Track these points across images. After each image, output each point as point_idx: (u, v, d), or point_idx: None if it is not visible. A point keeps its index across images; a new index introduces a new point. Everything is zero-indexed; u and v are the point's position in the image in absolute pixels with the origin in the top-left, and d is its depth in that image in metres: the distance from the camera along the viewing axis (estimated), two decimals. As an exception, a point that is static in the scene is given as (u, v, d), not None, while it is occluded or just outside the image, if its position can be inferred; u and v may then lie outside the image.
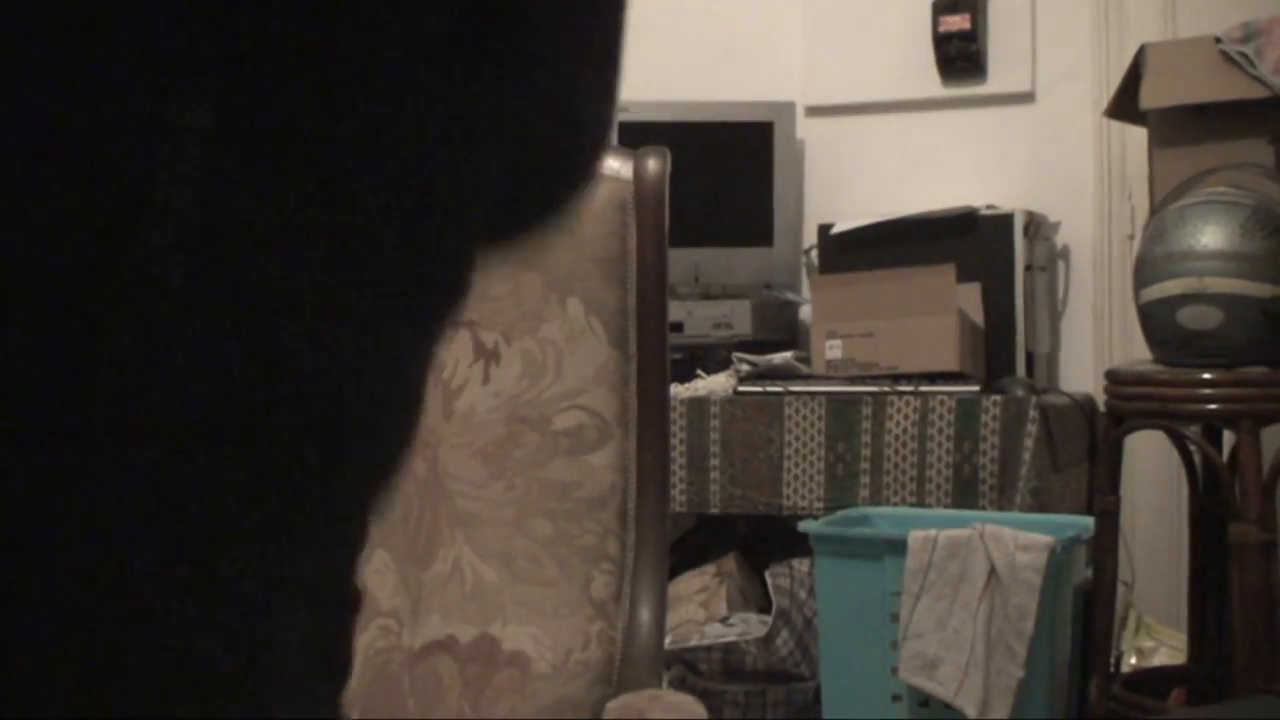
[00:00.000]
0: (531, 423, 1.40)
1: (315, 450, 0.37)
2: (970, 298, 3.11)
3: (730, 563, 3.20)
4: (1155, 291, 2.53)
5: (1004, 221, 3.19)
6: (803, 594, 2.94)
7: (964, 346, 3.02)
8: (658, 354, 1.42)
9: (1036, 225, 3.27)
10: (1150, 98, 2.77)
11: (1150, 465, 3.21)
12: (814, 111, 3.64)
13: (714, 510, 3.08)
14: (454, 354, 1.42)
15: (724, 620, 3.04)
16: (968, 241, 3.18)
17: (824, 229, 3.34)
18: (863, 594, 2.65)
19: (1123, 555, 2.77)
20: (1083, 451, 3.09)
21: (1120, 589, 2.76)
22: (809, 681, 2.93)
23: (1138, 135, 3.07)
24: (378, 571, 1.42)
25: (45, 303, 0.33)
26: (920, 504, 2.90)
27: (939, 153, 3.54)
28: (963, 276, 3.06)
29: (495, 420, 1.41)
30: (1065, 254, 3.46)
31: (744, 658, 2.93)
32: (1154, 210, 2.75)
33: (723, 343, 3.28)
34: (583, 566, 1.39)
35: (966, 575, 2.53)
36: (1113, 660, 2.74)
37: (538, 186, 0.49)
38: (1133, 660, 3.06)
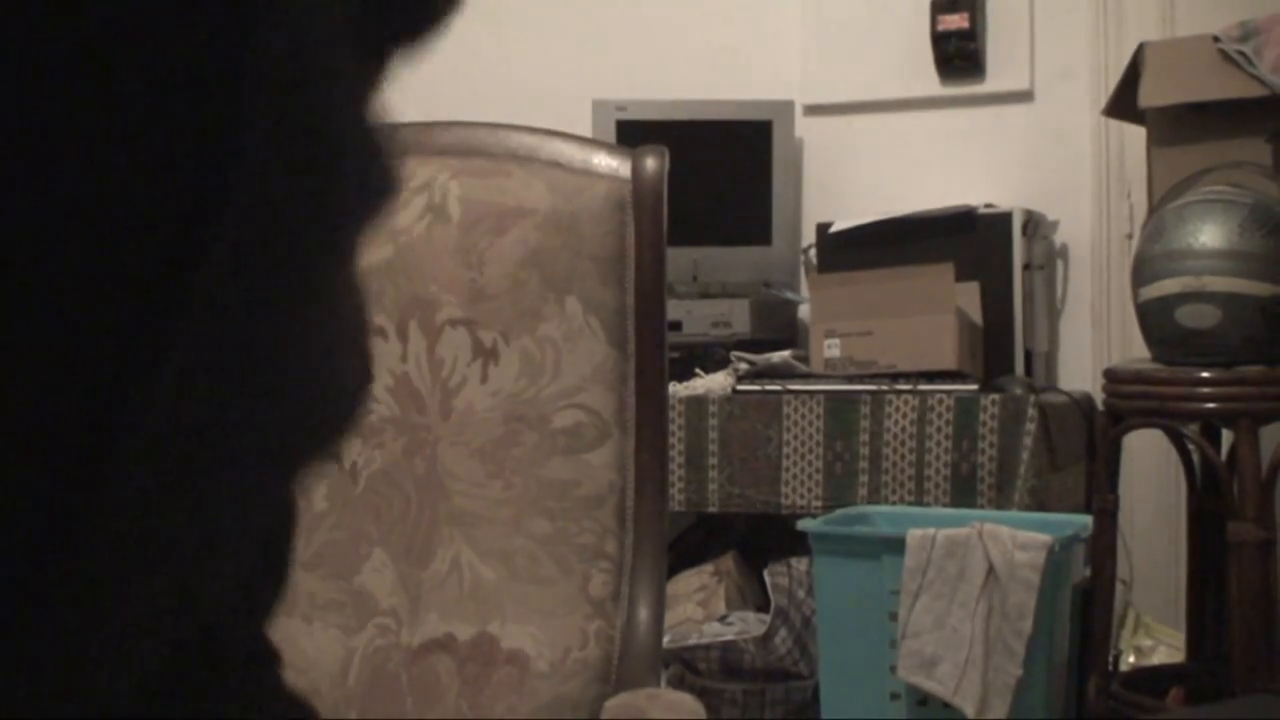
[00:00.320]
0: (530, 421, 1.40)
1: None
2: (969, 296, 3.11)
3: (729, 561, 3.20)
4: (1154, 290, 2.53)
5: (1002, 220, 3.19)
6: (801, 593, 2.94)
7: (962, 345, 3.02)
8: (656, 353, 1.42)
9: (1035, 224, 3.27)
10: (1149, 96, 2.77)
11: (1149, 464, 3.22)
12: (812, 110, 3.64)
13: (712, 509, 3.08)
14: (453, 353, 1.42)
15: (722, 619, 3.04)
16: (966, 240, 3.18)
17: (822, 228, 3.34)
18: (861, 593, 2.65)
19: (1121, 554, 2.77)
20: (1081, 450, 3.09)
21: (1119, 588, 2.76)
22: (807, 680, 2.93)
23: (1136, 134, 3.07)
24: (376, 570, 1.42)
25: None
26: (919, 503, 2.91)
27: (937, 151, 3.54)
28: (961, 275, 3.06)
29: (493, 419, 1.41)
30: (1064, 253, 3.46)
31: (742, 656, 2.93)
32: (1152, 209, 2.75)
33: (721, 341, 3.28)
34: (581, 565, 1.39)
35: (965, 574, 2.53)
36: (1111, 659, 2.74)
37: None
38: (1131, 659, 3.06)
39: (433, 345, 1.42)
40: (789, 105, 3.53)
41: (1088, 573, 2.70)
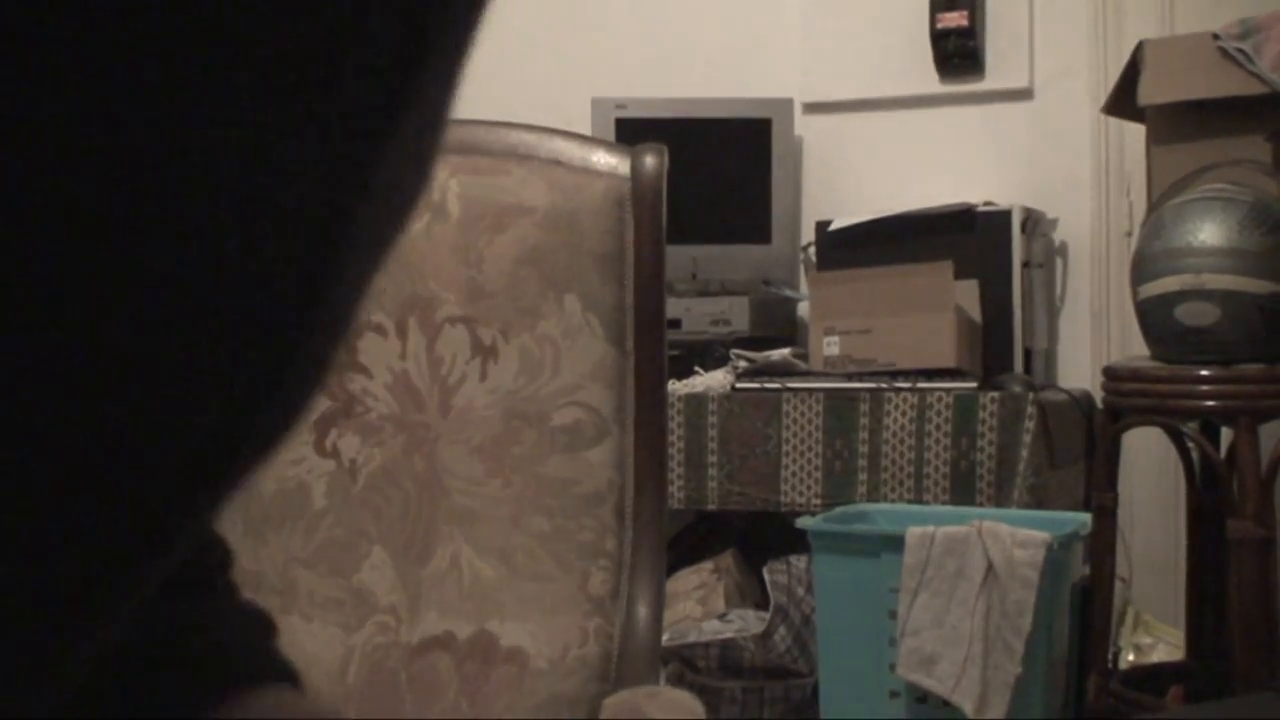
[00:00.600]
0: (529, 419, 1.40)
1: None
2: (968, 294, 3.11)
3: (728, 559, 3.20)
4: (1153, 288, 2.53)
5: (1002, 218, 3.19)
6: (800, 590, 2.94)
7: (962, 343, 3.02)
8: (655, 350, 1.42)
9: (1034, 222, 3.27)
10: (1148, 94, 2.77)
11: (1148, 462, 3.22)
12: (812, 108, 3.64)
13: (712, 507, 3.08)
14: (452, 350, 1.42)
15: (722, 617, 3.04)
16: (965, 238, 3.18)
17: (822, 225, 3.34)
18: (860, 590, 2.65)
19: (1120, 552, 2.77)
20: (1080, 448, 3.09)
21: (1118, 585, 2.76)
22: (807, 678, 2.93)
23: (1136, 131, 3.07)
24: (375, 567, 1.42)
25: None
26: (918, 500, 2.91)
27: (937, 149, 3.54)
28: (960, 273, 3.06)
29: (493, 417, 1.41)
30: (1063, 250, 3.46)
31: (742, 654, 2.93)
32: (1152, 207, 2.75)
33: (720, 339, 3.28)
34: (580, 563, 1.39)
35: (964, 572, 2.53)
36: (1110, 657, 2.74)
37: None
38: (1130, 657, 3.06)
39: (432, 343, 1.42)
40: (788, 103, 3.53)
41: (1087, 570, 2.70)
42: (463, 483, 1.41)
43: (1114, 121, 3.22)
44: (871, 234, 3.24)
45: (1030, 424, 2.85)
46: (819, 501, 2.97)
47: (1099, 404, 2.77)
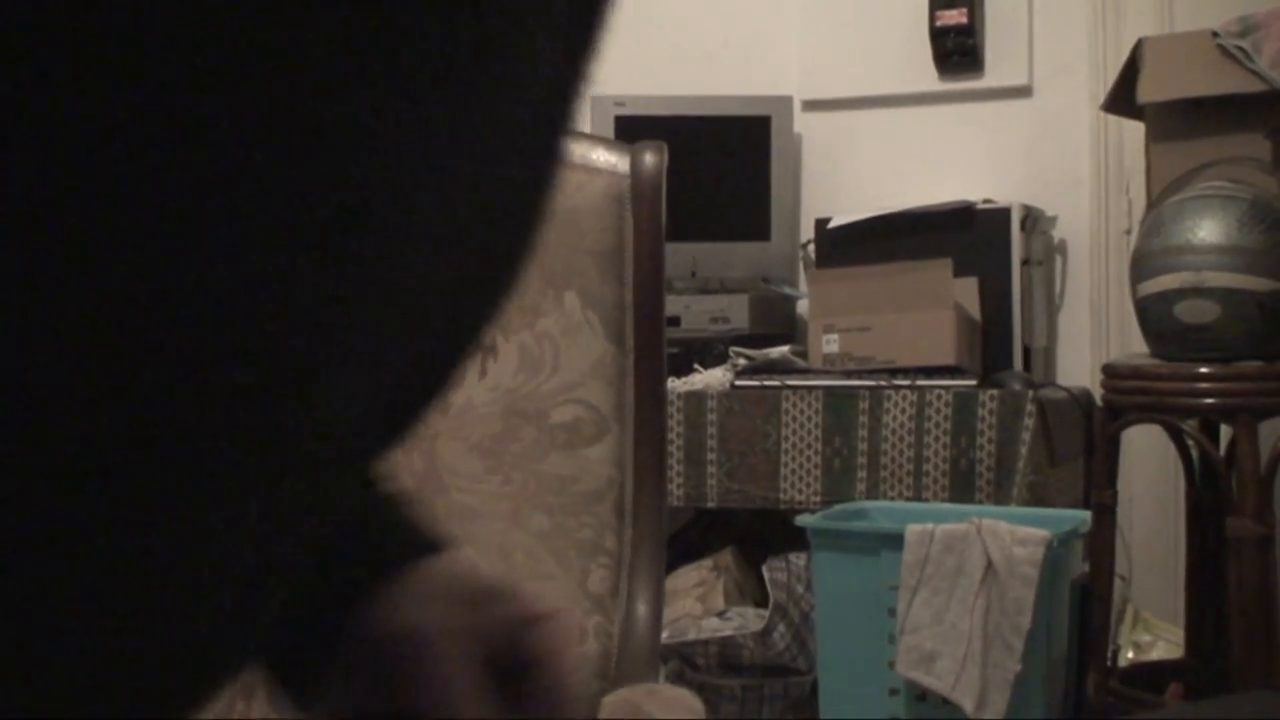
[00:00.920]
0: (528, 417, 1.40)
1: None
2: (967, 292, 3.11)
3: (727, 557, 3.20)
4: (1152, 285, 2.53)
5: (1001, 216, 3.19)
6: (800, 588, 2.94)
7: (961, 340, 3.02)
8: (655, 348, 1.42)
9: (1034, 219, 3.27)
10: (1147, 92, 2.77)
11: (1147, 459, 3.22)
12: (811, 106, 3.64)
13: (711, 504, 3.08)
14: (451, 348, 1.42)
15: (721, 614, 3.04)
16: (965, 236, 3.18)
17: (821, 223, 3.34)
18: (860, 588, 2.65)
19: (1120, 549, 2.78)
20: (1080, 446, 3.09)
21: (1117, 583, 2.76)
22: (806, 675, 2.93)
23: (1135, 129, 3.07)
24: (375, 566, 1.42)
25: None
26: (917, 498, 2.90)
27: (936, 147, 3.54)
28: (960, 271, 3.06)
29: (492, 414, 1.41)
30: (1062, 248, 3.46)
31: (741, 652, 2.93)
32: (1151, 204, 2.75)
33: (720, 337, 3.28)
34: (580, 560, 1.39)
35: (963, 569, 2.53)
36: (1110, 654, 2.74)
37: None
38: (1130, 654, 3.06)
39: (431, 340, 1.42)
40: (788, 101, 3.53)
41: (1086, 568, 2.70)
42: (462, 480, 1.41)
43: (1113, 119, 3.22)
44: (871, 231, 3.24)
45: (1029, 421, 2.85)
46: (818, 499, 2.97)
47: (1098, 402, 2.77)
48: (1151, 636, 3.10)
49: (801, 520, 2.72)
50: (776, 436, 3.02)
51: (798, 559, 2.97)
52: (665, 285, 1.45)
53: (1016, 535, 2.50)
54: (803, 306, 3.43)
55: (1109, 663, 2.71)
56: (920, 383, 2.96)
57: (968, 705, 2.48)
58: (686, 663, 2.98)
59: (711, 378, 3.15)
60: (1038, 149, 3.47)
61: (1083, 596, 2.68)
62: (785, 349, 3.19)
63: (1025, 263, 3.20)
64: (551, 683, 0.55)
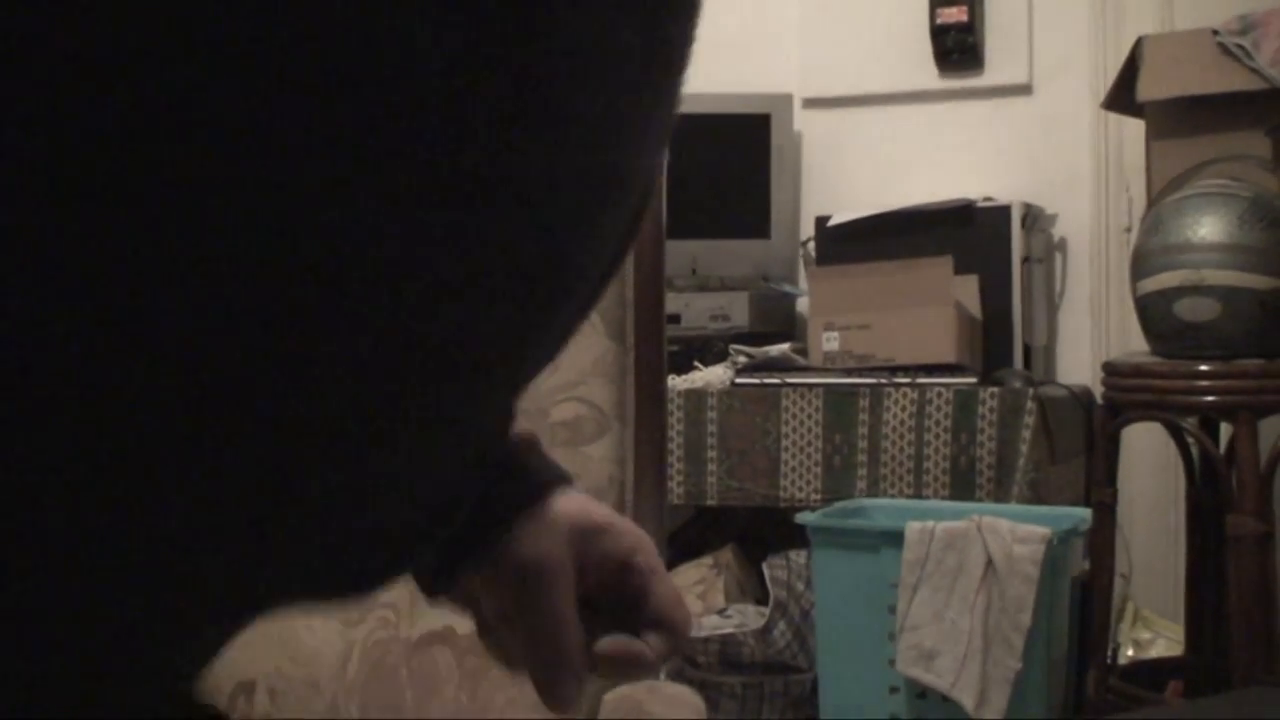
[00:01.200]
0: (529, 414, 1.40)
1: None
2: (967, 290, 3.11)
3: (727, 554, 3.20)
4: (1152, 283, 2.53)
5: (1001, 213, 3.19)
6: (800, 586, 2.95)
7: (961, 338, 3.02)
8: (655, 346, 1.42)
9: (1034, 217, 3.27)
10: (1147, 90, 2.77)
11: (1147, 457, 3.22)
12: (811, 103, 3.64)
13: (711, 502, 3.08)
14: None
15: (721, 612, 3.04)
16: (965, 233, 3.18)
17: (821, 221, 3.34)
18: (860, 586, 2.65)
19: (1120, 547, 2.78)
20: (1080, 443, 3.09)
21: (1117, 581, 2.76)
22: (806, 673, 2.94)
23: (1135, 127, 3.07)
24: (375, 563, 1.42)
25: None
26: (917, 496, 2.91)
27: (936, 145, 3.54)
28: (960, 268, 3.06)
29: (493, 412, 1.40)
30: (1062, 246, 3.46)
31: (741, 649, 2.94)
32: (1151, 202, 2.75)
33: (720, 335, 3.28)
34: (580, 558, 1.39)
35: (964, 567, 2.53)
36: (1110, 652, 2.74)
37: None
38: (1130, 652, 3.07)
39: (432, 338, 1.42)
40: (787, 98, 3.53)
41: (1086, 566, 2.70)
42: (462, 478, 1.41)
43: (1113, 117, 3.22)
44: (871, 229, 3.24)
45: (1030, 419, 2.85)
46: (818, 497, 2.97)
47: (1098, 399, 2.77)
48: (1151, 634, 3.10)
49: (802, 518, 2.72)
50: (777, 434, 3.02)
51: (798, 556, 2.97)
52: (665, 283, 1.45)
53: (1017, 533, 2.50)
54: (803, 304, 3.43)
55: (1109, 660, 2.72)
56: (920, 380, 2.96)
57: (968, 703, 2.48)
58: (686, 660, 2.98)
59: (712, 375, 3.15)
60: (1038, 147, 3.47)
61: (1083, 594, 2.68)
62: (785, 347, 3.19)
63: (1025, 260, 3.20)
64: (665, 590, 0.68)
